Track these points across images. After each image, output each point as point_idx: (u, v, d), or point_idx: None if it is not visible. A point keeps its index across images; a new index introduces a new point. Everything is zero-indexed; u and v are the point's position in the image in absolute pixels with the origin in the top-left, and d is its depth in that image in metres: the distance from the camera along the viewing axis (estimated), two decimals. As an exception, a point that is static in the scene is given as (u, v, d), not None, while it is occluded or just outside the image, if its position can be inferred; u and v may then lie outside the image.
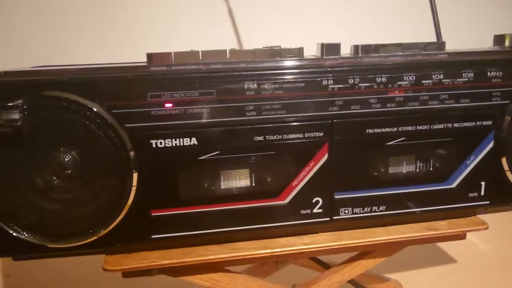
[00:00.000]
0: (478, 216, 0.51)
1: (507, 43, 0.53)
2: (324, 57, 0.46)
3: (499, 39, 0.54)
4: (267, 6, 0.94)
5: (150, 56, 0.44)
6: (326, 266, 0.59)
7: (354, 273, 0.53)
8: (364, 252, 0.53)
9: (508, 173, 0.48)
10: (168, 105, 0.41)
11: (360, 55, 0.47)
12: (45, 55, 0.81)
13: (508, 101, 0.47)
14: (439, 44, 0.48)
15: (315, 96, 0.43)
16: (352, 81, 0.44)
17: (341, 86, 0.44)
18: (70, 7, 0.83)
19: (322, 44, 0.46)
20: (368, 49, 0.47)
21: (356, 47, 0.47)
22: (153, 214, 0.43)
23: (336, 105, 0.44)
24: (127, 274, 0.45)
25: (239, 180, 0.44)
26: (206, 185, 0.44)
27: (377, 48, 0.47)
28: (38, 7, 0.81)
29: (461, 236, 0.51)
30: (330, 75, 0.43)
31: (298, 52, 0.46)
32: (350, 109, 0.44)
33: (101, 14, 0.84)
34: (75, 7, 0.83)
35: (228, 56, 0.45)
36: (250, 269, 0.62)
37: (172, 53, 0.44)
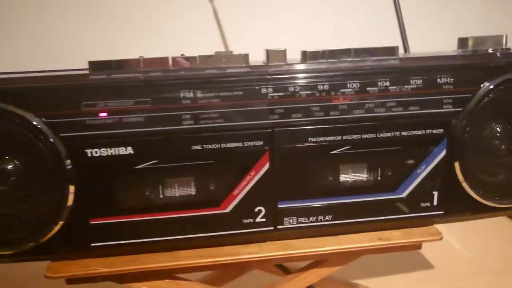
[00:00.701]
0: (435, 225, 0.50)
1: (470, 46, 0.51)
2: (269, 64, 0.45)
3: (462, 42, 0.52)
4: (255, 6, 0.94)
5: (91, 64, 0.44)
6: (288, 272, 0.58)
7: (308, 281, 0.52)
8: (319, 261, 0.52)
9: (462, 182, 0.47)
10: (103, 114, 0.41)
11: (307, 62, 0.46)
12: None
13: (460, 108, 0.45)
14: (391, 49, 0.47)
15: (254, 105, 0.43)
16: (293, 89, 0.43)
17: (281, 94, 0.43)
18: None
19: (267, 51, 0.45)
20: (316, 55, 0.46)
21: (304, 53, 0.46)
22: (91, 223, 0.43)
23: (276, 114, 0.43)
24: (71, 281, 0.45)
25: (179, 189, 0.44)
26: (145, 194, 0.43)
27: (325, 53, 0.46)
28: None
29: (417, 246, 0.50)
30: (269, 83, 0.42)
31: (243, 59, 0.45)
32: (291, 117, 0.43)
33: (90, 19, 0.86)
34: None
35: (170, 63, 0.44)
36: (212, 274, 0.62)
37: (113, 61, 0.44)
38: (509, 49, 0.50)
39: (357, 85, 0.43)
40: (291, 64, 0.44)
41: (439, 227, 0.78)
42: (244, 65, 0.45)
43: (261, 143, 0.43)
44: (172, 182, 0.43)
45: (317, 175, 0.45)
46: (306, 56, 0.46)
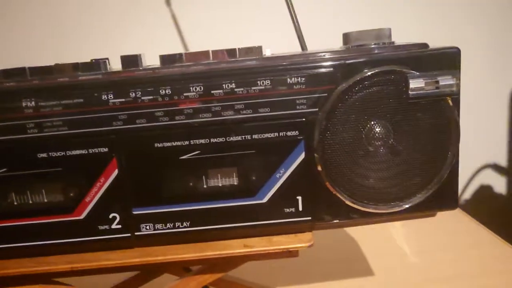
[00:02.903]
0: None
1: (352, 41, 0.48)
2: (123, 70, 0.45)
3: (345, 37, 0.49)
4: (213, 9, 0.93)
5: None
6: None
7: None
8: (201, 267, 0.51)
9: (328, 186, 0.44)
10: (-50, 125, 0.42)
11: (163, 66, 0.45)
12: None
13: (316, 109, 0.43)
14: (254, 49, 0.45)
15: (96, 112, 0.43)
16: (134, 94, 0.42)
17: (123, 100, 0.42)
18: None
19: (121, 57, 0.45)
20: (173, 58, 0.45)
21: (161, 57, 0.46)
22: (-47, 229, 0.45)
23: (120, 120, 0.43)
24: None
25: (31, 196, 0.45)
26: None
27: (181, 57, 0.45)
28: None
29: (293, 254, 0.48)
30: (110, 89, 0.42)
31: (98, 66, 0.45)
32: (135, 123, 0.43)
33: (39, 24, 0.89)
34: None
35: (28, 74, 0.45)
36: (122, 281, 0.62)
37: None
38: (392, 42, 0.47)
39: (200, 88, 0.42)
40: (141, 70, 0.44)
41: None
42: (99, 71, 0.45)
43: (106, 149, 0.43)
44: (24, 190, 0.44)
45: (169, 181, 0.45)
46: (163, 60, 0.45)
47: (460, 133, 0.44)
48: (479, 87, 1.01)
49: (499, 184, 1.11)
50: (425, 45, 0.44)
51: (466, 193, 1.11)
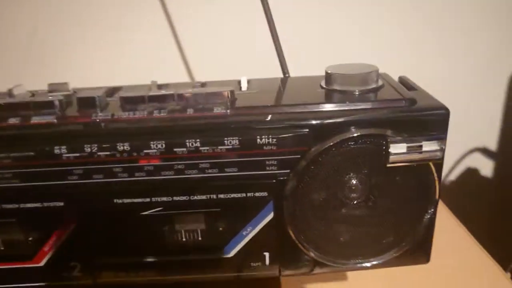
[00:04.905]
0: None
1: (334, 84, 0.44)
2: (78, 115, 0.41)
3: (328, 78, 0.45)
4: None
5: None
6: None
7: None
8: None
9: (298, 244, 0.43)
10: None
11: (123, 110, 0.41)
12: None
13: (287, 170, 0.40)
14: (219, 94, 0.41)
15: (49, 165, 0.39)
16: (89, 149, 0.39)
17: (77, 155, 0.39)
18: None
19: (77, 98, 0.41)
20: (135, 101, 0.41)
21: (123, 99, 0.41)
22: None
23: (75, 174, 0.40)
24: None
25: (-8, 242, 0.43)
26: (-46, 247, 0.43)
27: (144, 99, 0.41)
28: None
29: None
30: (63, 143, 0.39)
31: (52, 105, 0.41)
32: (92, 178, 0.40)
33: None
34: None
35: None
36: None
37: None
38: (380, 87, 0.43)
39: (162, 146, 0.39)
40: (93, 113, 0.40)
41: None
42: (53, 116, 0.41)
43: (61, 204, 0.41)
44: (-15, 238, 0.42)
45: (131, 234, 0.42)
46: (124, 102, 0.41)
47: (439, 194, 0.42)
48: (478, 70, 0.96)
49: (487, 168, 1.10)
50: (412, 101, 0.40)
51: (452, 175, 1.10)
